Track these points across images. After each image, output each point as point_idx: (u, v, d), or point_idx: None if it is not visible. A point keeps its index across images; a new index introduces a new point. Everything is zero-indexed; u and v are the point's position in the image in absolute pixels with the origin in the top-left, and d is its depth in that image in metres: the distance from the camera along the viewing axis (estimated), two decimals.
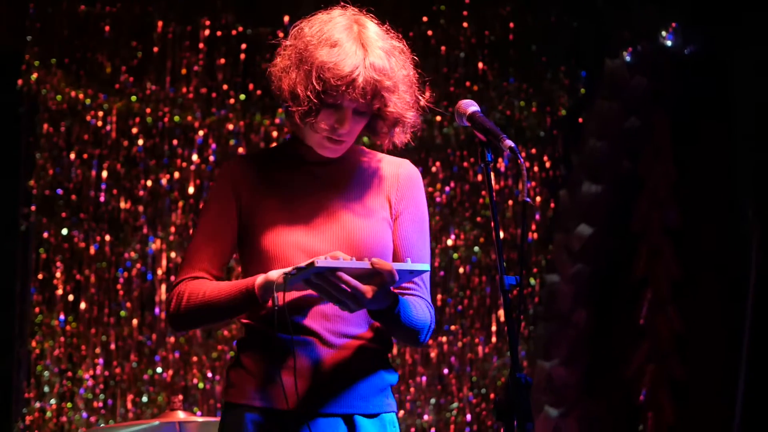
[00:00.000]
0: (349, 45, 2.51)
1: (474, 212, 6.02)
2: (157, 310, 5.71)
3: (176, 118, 5.81)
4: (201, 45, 5.84)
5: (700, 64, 5.66)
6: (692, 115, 5.70)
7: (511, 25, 6.02)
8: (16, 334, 5.63)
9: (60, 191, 5.69)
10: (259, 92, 5.81)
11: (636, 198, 5.77)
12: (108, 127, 5.75)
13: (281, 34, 2.58)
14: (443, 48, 5.98)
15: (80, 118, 5.72)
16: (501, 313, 5.96)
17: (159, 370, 5.70)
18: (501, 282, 2.29)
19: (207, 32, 5.85)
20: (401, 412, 5.84)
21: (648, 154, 5.75)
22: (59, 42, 5.71)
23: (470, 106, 2.50)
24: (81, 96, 5.72)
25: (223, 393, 2.67)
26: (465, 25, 5.99)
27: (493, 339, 5.96)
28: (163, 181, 5.79)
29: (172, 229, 5.76)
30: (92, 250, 5.71)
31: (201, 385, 5.71)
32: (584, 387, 5.77)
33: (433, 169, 5.98)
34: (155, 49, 5.81)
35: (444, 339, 5.94)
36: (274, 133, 5.85)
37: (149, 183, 5.77)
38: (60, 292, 5.66)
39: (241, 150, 5.83)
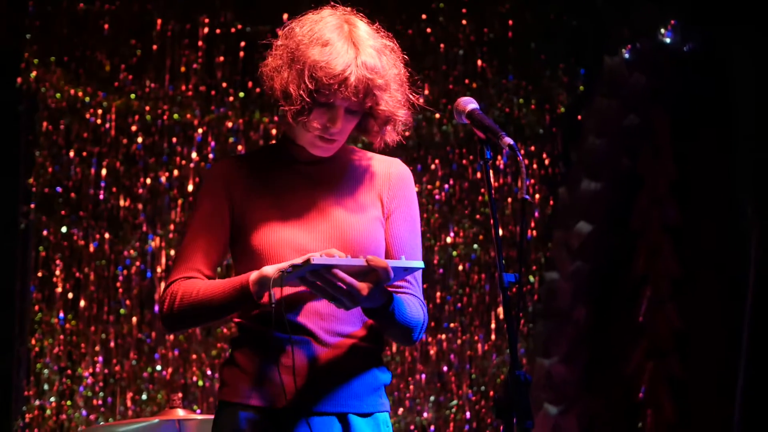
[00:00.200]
0: (341, 44, 2.52)
1: (473, 210, 6.02)
2: (156, 307, 5.71)
3: (175, 116, 5.81)
4: (200, 43, 5.84)
5: (699, 62, 5.66)
6: (691, 113, 5.70)
7: (510, 22, 6.02)
8: (15, 332, 5.63)
9: (59, 189, 5.69)
10: (258, 90, 5.81)
11: (635, 195, 5.77)
12: (107, 125, 5.75)
13: (280, 32, 2.58)
14: (442, 45, 5.98)
15: (79, 116, 5.72)
16: (500, 310, 5.96)
17: (158, 367, 5.70)
18: (500, 279, 2.29)
19: (206, 30, 5.85)
20: (400, 410, 5.85)
21: (647, 151, 5.75)
22: (58, 40, 5.70)
23: (469, 103, 2.50)
24: (80, 94, 5.72)
25: (217, 392, 2.68)
26: (464, 22, 5.99)
27: (493, 336, 5.96)
28: (163, 179, 5.79)
29: (172, 227, 5.76)
30: (92, 248, 5.71)
31: (200, 383, 5.71)
32: (584, 384, 5.77)
33: (432, 166, 5.98)
34: (154, 47, 5.81)
35: (443, 336, 5.94)
36: (274, 131, 5.84)
37: (148, 181, 5.77)
38: (59, 290, 5.66)
39: (240, 148, 5.83)
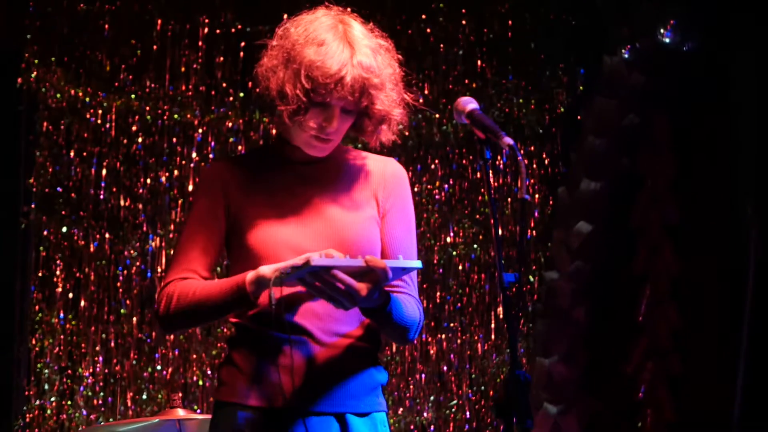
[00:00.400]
0: (336, 44, 2.53)
1: (473, 209, 6.02)
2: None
3: (176, 116, 5.81)
4: (200, 43, 5.84)
5: (699, 62, 5.66)
6: (691, 113, 5.70)
7: (510, 22, 6.02)
8: (16, 332, 5.63)
9: (60, 189, 5.69)
10: (258, 90, 5.81)
11: (635, 195, 5.77)
12: (107, 125, 5.76)
13: (275, 32, 2.60)
14: (442, 45, 5.98)
15: (80, 116, 5.72)
16: (500, 310, 5.96)
17: (159, 367, 5.70)
18: (500, 279, 2.29)
19: (206, 30, 5.86)
20: (400, 410, 5.85)
21: (647, 151, 5.75)
22: (59, 40, 5.71)
23: (469, 103, 2.50)
24: (80, 94, 5.72)
25: (214, 392, 2.68)
26: (464, 22, 5.99)
27: (493, 336, 5.97)
28: (163, 179, 5.79)
29: (172, 227, 5.77)
30: (92, 248, 5.71)
31: (201, 383, 5.72)
32: (583, 384, 5.77)
33: (432, 166, 5.98)
34: (155, 47, 5.81)
35: (443, 336, 5.95)
36: (274, 131, 5.85)
37: (149, 181, 5.78)
38: (60, 289, 5.66)
39: (240, 148, 5.83)
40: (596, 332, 5.79)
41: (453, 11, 5.98)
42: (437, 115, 5.92)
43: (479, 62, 6.02)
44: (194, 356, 5.73)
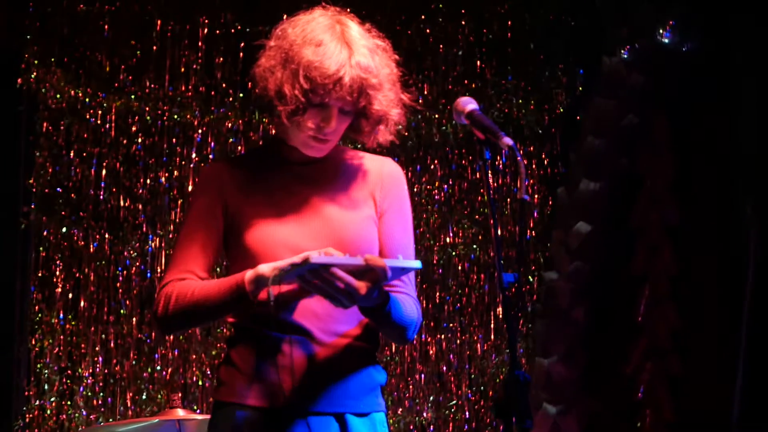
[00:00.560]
0: (334, 44, 2.53)
1: (472, 210, 6.03)
2: None
3: (175, 117, 5.82)
4: (200, 43, 5.84)
5: (698, 62, 5.66)
6: (691, 113, 5.71)
7: (509, 23, 6.03)
8: (15, 333, 5.63)
9: (59, 190, 5.69)
10: (257, 90, 5.81)
11: (634, 195, 5.78)
12: (107, 126, 5.76)
13: (272, 33, 2.61)
14: (441, 46, 5.99)
15: (79, 116, 5.72)
16: (500, 310, 5.97)
17: (158, 367, 5.71)
18: (499, 279, 2.29)
19: (206, 31, 5.86)
20: (400, 410, 5.85)
21: (646, 151, 5.75)
22: (59, 41, 5.71)
23: (468, 104, 2.50)
24: (80, 95, 5.72)
25: (213, 392, 2.68)
26: (463, 23, 6.00)
27: (492, 336, 5.97)
28: (163, 180, 5.79)
29: (172, 227, 5.77)
30: (92, 249, 5.71)
31: (200, 383, 5.72)
32: (583, 384, 5.77)
33: (432, 166, 5.99)
34: (154, 47, 5.81)
35: (442, 336, 5.95)
36: (273, 131, 5.85)
37: (148, 181, 5.78)
38: (60, 290, 5.67)
39: (240, 148, 5.84)
40: (595, 332, 5.80)
41: (452, 12, 5.98)
42: (437, 116, 5.92)
43: (479, 63, 6.02)
44: (194, 356, 5.73)
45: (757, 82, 5.41)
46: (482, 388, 5.94)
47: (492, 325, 5.98)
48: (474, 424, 5.91)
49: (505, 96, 6.02)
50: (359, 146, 2.84)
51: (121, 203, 5.75)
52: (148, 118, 5.78)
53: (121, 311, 5.71)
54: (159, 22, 5.81)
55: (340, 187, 2.68)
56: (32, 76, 5.64)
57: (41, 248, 5.66)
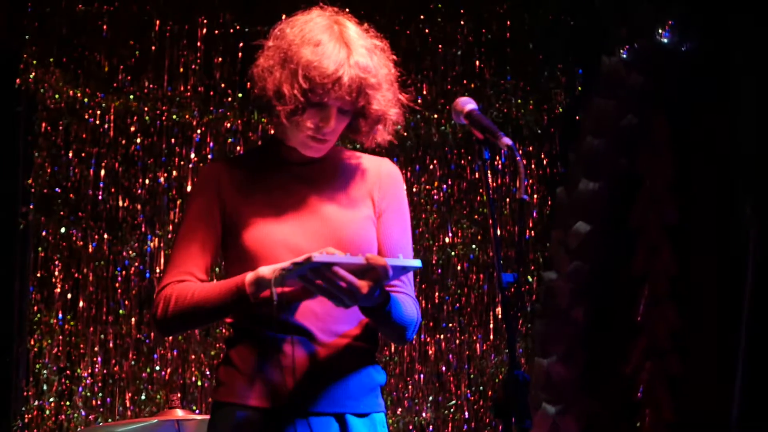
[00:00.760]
0: (332, 44, 2.53)
1: (472, 210, 6.02)
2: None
3: (174, 117, 5.81)
4: (199, 44, 5.84)
5: (697, 62, 5.66)
6: (690, 113, 5.71)
7: (509, 23, 6.03)
8: (14, 333, 5.63)
9: (58, 190, 5.68)
10: (255, 91, 5.81)
11: (634, 195, 5.78)
12: (106, 126, 5.76)
13: (270, 33, 2.61)
14: (440, 46, 5.99)
15: (78, 116, 5.72)
16: (499, 310, 5.97)
17: (157, 368, 5.70)
18: (499, 279, 2.29)
19: (205, 31, 5.86)
20: (399, 410, 5.85)
21: (645, 151, 5.75)
22: (57, 41, 5.70)
23: (468, 104, 2.50)
24: (79, 95, 5.72)
25: (212, 392, 2.68)
26: (462, 23, 5.99)
27: (491, 336, 5.97)
28: (161, 180, 5.79)
29: (171, 227, 5.77)
30: (90, 249, 5.71)
31: (199, 383, 5.72)
32: (582, 384, 5.77)
33: (431, 166, 5.98)
34: (153, 47, 5.81)
35: (442, 336, 5.95)
36: (272, 131, 5.84)
37: (147, 181, 5.78)
38: (58, 290, 5.66)
39: (239, 149, 5.83)
40: (595, 332, 5.80)
41: (451, 12, 5.98)
42: (435, 116, 5.92)
43: (478, 63, 6.02)
44: (193, 357, 5.73)
45: (757, 82, 5.41)
46: (481, 388, 5.94)
47: (491, 325, 5.98)
48: (473, 424, 5.91)
49: (504, 96, 6.01)
50: (357, 147, 2.84)
51: (120, 203, 5.75)
52: (147, 118, 5.78)
53: (120, 311, 5.70)
54: (158, 22, 5.81)
55: (338, 186, 2.68)
56: (31, 76, 5.63)
57: (40, 248, 5.66)
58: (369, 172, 2.72)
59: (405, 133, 5.81)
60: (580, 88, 6.02)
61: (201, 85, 5.84)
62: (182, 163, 5.81)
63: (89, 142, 5.74)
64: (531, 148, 6.03)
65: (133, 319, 5.71)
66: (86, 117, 5.72)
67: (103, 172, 5.73)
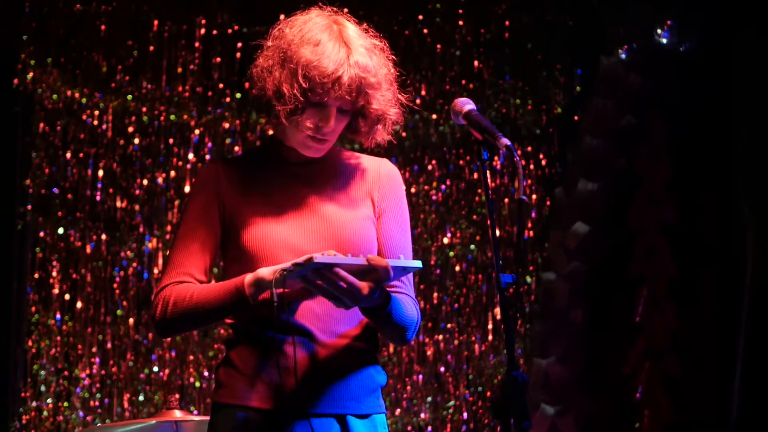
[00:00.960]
0: (332, 44, 2.53)
1: (470, 210, 6.02)
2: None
3: (172, 117, 5.81)
4: (197, 44, 5.83)
5: (696, 62, 5.66)
6: (688, 113, 5.71)
7: (507, 23, 6.02)
8: (12, 334, 5.62)
9: (56, 190, 5.68)
10: (254, 91, 5.81)
11: (632, 195, 5.78)
12: (104, 126, 5.75)
13: (269, 33, 2.61)
14: (439, 46, 5.98)
15: (76, 117, 5.72)
16: (497, 311, 5.96)
17: (155, 369, 5.70)
18: (497, 280, 2.29)
19: (203, 31, 5.85)
20: (398, 411, 5.85)
21: (644, 151, 5.75)
22: (55, 41, 5.70)
23: (466, 104, 2.50)
24: (77, 95, 5.71)
25: (212, 393, 2.67)
26: (461, 23, 5.99)
27: (490, 337, 5.96)
28: (159, 180, 5.78)
29: (169, 228, 5.76)
30: (88, 249, 5.70)
31: (198, 384, 5.71)
32: (581, 385, 5.77)
33: (429, 167, 5.98)
34: (151, 48, 5.80)
35: (440, 337, 5.94)
36: (270, 132, 5.84)
37: (145, 182, 5.77)
38: (56, 291, 5.66)
39: (237, 149, 5.83)
40: (593, 333, 5.79)
41: (450, 12, 5.98)
42: (434, 116, 5.92)
43: (476, 63, 6.02)
44: (191, 357, 5.72)
45: (756, 82, 5.41)
46: (480, 388, 5.93)
47: (490, 326, 5.98)
48: (472, 425, 5.91)
49: (503, 96, 6.01)
50: (356, 146, 2.84)
51: (118, 204, 5.75)
52: (145, 118, 5.78)
53: (118, 312, 5.70)
54: (156, 22, 5.80)
55: (338, 187, 2.68)
56: (28, 76, 5.63)
57: (38, 249, 5.65)
58: (369, 172, 2.72)
59: (404, 134, 5.80)
60: (578, 88, 6.01)
61: (199, 86, 5.83)
62: (180, 163, 5.81)
63: (87, 142, 5.73)
64: (530, 149, 6.03)
65: (131, 320, 5.71)
66: (84, 117, 5.72)
67: (101, 172, 5.73)
